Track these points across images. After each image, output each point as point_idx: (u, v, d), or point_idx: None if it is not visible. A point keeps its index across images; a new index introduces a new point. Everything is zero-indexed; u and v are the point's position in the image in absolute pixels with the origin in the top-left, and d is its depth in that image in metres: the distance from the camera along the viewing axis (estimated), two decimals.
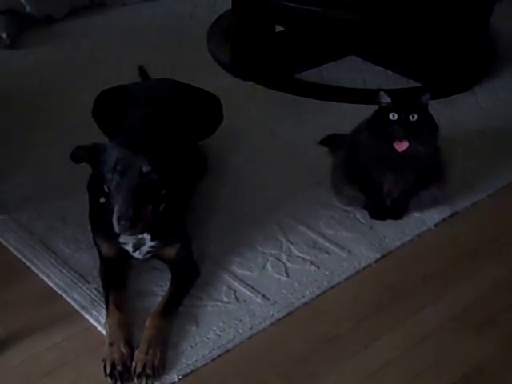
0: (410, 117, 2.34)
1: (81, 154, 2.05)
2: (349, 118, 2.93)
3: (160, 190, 2.00)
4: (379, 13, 3.13)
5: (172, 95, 2.58)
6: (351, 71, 3.51)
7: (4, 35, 3.59)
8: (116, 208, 1.92)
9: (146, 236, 2.10)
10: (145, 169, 1.95)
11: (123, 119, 2.44)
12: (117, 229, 1.93)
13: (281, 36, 3.70)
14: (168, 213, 2.08)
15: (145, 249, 2.14)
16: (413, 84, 3.39)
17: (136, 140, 2.06)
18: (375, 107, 2.43)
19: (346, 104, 3.19)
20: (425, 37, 3.44)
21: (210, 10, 4.04)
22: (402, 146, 2.37)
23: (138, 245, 2.12)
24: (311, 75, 3.46)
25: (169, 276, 2.19)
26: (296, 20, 3.57)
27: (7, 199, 2.52)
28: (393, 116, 2.35)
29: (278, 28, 3.65)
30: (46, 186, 2.60)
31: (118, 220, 1.91)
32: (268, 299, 2.16)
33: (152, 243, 2.13)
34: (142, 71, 3.05)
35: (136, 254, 2.16)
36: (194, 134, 2.52)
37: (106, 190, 2.00)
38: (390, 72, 3.50)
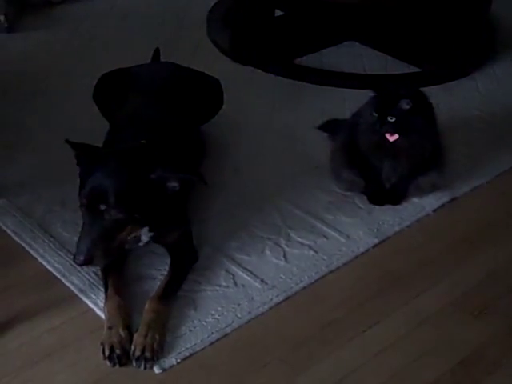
0: (388, 118, 2.33)
1: (76, 149, 2.05)
2: (348, 103, 2.93)
3: (125, 225, 1.95)
4: None
5: (173, 78, 2.57)
6: (351, 56, 3.51)
7: (2, 18, 3.58)
8: (76, 241, 1.93)
9: (143, 230, 2.07)
10: (103, 207, 1.90)
11: (124, 103, 2.42)
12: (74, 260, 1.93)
13: (280, 21, 3.69)
14: (167, 208, 2.05)
15: (144, 239, 2.12)
16: (412, 69, 3.38)
17: (117, 164, 1.98)
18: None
19: (346, 89, 3.18)
20: (425, 22, 3.43)
21: None
22: (392, 138, 2.37)
23: (133, 242, 2.08)
24: (311, 60, 3.45)
25: (167, 260, 2.19)
26: (296, 4, 3.57)
27: (6, 183, 2.52)
28: (374, 114, 2.35)
29: (278, 13, 3.65)
30: (45, 170, 2.60)
31: (74, 256, 1.92)
32: (266, 284, 2.17)
33: (151, 233, 2.10)
34: (156, 54, 2.99)
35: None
36: (195, 118, 2.51)
37: None
38: (389, 57, 3.49)
